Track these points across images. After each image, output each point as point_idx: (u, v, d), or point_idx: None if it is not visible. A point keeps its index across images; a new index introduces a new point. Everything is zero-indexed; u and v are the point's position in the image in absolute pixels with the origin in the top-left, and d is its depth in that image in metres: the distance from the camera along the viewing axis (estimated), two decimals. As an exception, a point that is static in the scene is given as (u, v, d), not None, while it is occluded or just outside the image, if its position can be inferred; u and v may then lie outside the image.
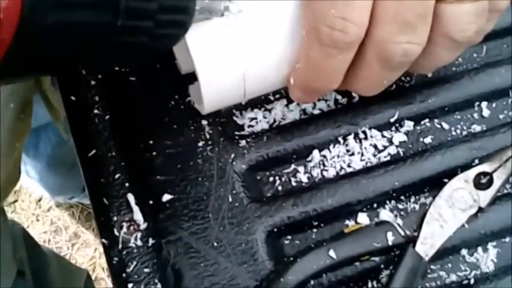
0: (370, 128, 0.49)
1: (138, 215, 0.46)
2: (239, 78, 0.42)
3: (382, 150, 0.49)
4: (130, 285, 0.45)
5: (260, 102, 0.50)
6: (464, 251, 0.48)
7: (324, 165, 0.49)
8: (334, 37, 0.39)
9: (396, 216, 0.48)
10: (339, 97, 0.51)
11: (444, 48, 0.41)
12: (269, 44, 0.42)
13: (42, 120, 1.05)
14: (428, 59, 0.42)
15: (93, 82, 0.50)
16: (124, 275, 0.45)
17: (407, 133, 0.50)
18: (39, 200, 1.61)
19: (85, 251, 1.59)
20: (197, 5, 0.38)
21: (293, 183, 0.49)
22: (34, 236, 1.12)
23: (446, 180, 0.47)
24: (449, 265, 0.47)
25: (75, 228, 1.61)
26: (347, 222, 0.48)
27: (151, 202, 0.47)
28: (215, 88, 0.42)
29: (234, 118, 0.49)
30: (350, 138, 0.49)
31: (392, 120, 0.50)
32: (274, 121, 0.50)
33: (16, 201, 1.62)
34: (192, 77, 0.47)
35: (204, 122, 0.49)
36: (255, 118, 0.49)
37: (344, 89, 0.45)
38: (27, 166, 1.21)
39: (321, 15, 0.39)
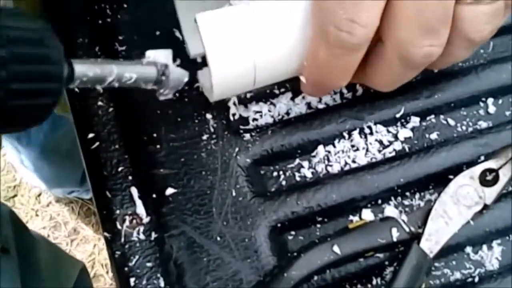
0: (375, 124, 0.49)
1: (141, 209, 0.46)
2: (249, 66, 0.41)
3: (387, 146, 0.49)
4: (132, 279, 0.44)
5: (265, 95, 0.50)
6: (468, 249, 0.47)
7: (328, 160, 0.49)
8: (341, 39, 0.39)
9: (401, 212, 0.47)
10: (345, 91, 0.50)
11: (460, 47, 0.42)
12: (281, 34, 0.41)
13: None
14: (443, 57, 0.42)
15: (96, 74, 0.49)
16: (126, 269, 0.45)
17: (412, 129, 0.50)
18: (39, 195, 1.61)
19: (84, 247, 1.58)
20: None
21: (297, 178, 0.48)
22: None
23: (451, 177, 0.47)
24: (454, 262, 0.47)
25: (75, 224, 1.60)
26: (351, 218, 0.47)
27: (154, 195, 0.46)
28: (225, 75, 0.41)
29: (239, 111, 0.49)
30: (355, 133, 0.49)
31: (397, 115, 0.49)
32: (279, 115, 0.49)
33: (15, 195, 1.62)
34: (201, 64, 0.47)
35: (209, 116, 0.48)
36: (260, 112, 0.49)
37: (361, 82, 0.45)
38: (21, 155, 1.21)
39: (329, 15, 0.39)
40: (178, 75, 0.42)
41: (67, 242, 1.58)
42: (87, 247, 1.58)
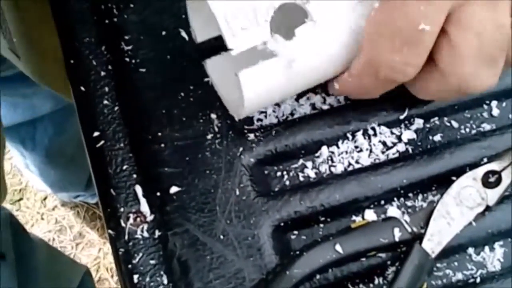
0: (379, 125, 0.49)
1: (145, 207, 0.46)
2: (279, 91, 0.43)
3: (391, 147, 0.49)
4: (135, 276, 0.45)
5: (269, 96, 0.50)
6: (470, 250, 0.47)
7: (332, 161, 0.49)
8: (392, 78, 0.39)
9: (403, 213, 0.48)
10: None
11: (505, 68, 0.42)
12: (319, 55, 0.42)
13: (38, 111, 1.05)
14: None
15: (103, 73, 0.50)
16: (129, 266, 0.45)
17: (416, 131, 0.50)
18: (44, 198, 1.62)
19: (90, 251, 1.59)
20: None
21: (301, 178, 0.49)
22: (38, 235, 1.12)
23: (454, 178, 0.47)
24: (456, 263, 0.47)
25: (80, 228, 1.61)
26: (354, 218, 0.48)
27: (158, 194, 0.47)
28: (256, 99, 0.42)
29: (243, 112, 0.49)
30: (359, 134, 0.49)
31: (401, 117, 0.49)
32: (283, 115, 0.50)
33: (21, 199, 1.62)
34: (205, 56, 0.48)
35: (213, 116, 0.49)
36: (264, 112, 0.49)
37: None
38: (26, 160, 1.21)
39: (384, 57, 0.39)
40: None
41: (72, 246, 1.59)
42: (92, 251, 1.59)
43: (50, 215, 1.61)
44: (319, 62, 0.42)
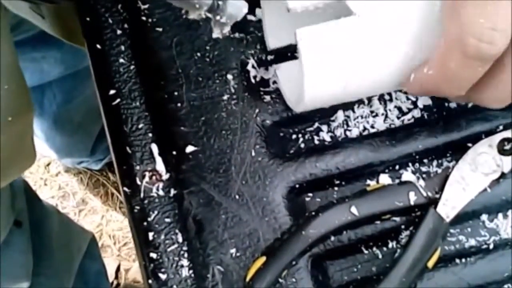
0: (395, 90, 0.49)
1: (160, 165, 0.46)
2: (342, 86, 0.40)
3: (407, 113, 0.49)
4: (150, 233, 0.45)
5: (286, 58, 0.50)
6: (484, 217, 0.48)
7: (347, 125, 0.49)
8: (482, 50, 0.36)
9: (418, 178, 0.48)
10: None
11: None
12: (385, 55, 0.39)
13: (46, 77, 1.04)
14: None
15: (118, 32, 0.49)
16: (145, 223, 0.45)
17: (432, 97, 0.50)
18: (48, 164, 1.62)
19: (92, 218, 1.59)
20: None
21: (316, 141, 0.48)
22: (41, 201, 1.12)
23: (469, 145, 0.47)
24: (469, 229, 0.47)
25: (83, 195, 1.61)
26: (368, 182, 0.48)
27: (174, 152, 0.47)
28: (318, 93, 0.39)
29: (260, 73, 0.49)
30: (375, 99, 0.49)
31: (418, 82, 0.49)
32: (300, 78, 0.49)
33: (24, 164, 1.62)
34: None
35: (230, 76, 0.48)
36: (281, 74, 0.49)
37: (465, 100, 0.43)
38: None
39: (469, 25, 0.36)
40: (237, 2, 0.37)
41: (75, 212, 1.59)
42: (95, 218, 1.59)
43: (54, 181, 1.61)
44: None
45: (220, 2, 0.36)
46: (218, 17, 0.36)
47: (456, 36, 0.37)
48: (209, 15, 0.36)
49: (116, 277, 1.56)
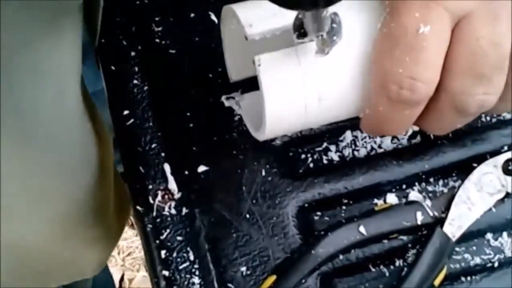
0: (402, 111, 0.50)
1: (173, 185, 0.47)
2: (303, 111, 0.40)
3: (414, 133, 0.50)
4: (163, 251, 0.46)
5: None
6: (489, 235, 0.48)
7: (355, 145, 0.50)
8: (403, 96, 0.37)
9: (424, 197, 0.49)
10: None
11: None
12: (338, 81, 0.40)
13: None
14: (504, 102, 0.40)
15: (132, 53, 0.51)
16: (157, 241, 0.46)
17: (438, 117, 0.51)
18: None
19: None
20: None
21: (325, 161, 0.49)
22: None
23: (475, 165, 0.48)
24: (474, 248, 0.48)
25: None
26: (376, 201, 0.49)
27: (186, 172, 0.48)
28: (279, 119, 0.40)
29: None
30: (382, 119, 0.50)
31: (424, 103, 0.50)
32: (309, 99, 0.50)
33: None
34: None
35: (240, 97, 0.50)
36: (291, 96, 0.50)
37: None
38: None
39: (389, 73, 0.37)
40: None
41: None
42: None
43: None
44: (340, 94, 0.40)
45: (334, 26, 0.36)
46: (334, 37, 0.37)
47: (380, 82, 0.38)
48: (325, 36, 0.36)
49: (120, 286, 1.56)
